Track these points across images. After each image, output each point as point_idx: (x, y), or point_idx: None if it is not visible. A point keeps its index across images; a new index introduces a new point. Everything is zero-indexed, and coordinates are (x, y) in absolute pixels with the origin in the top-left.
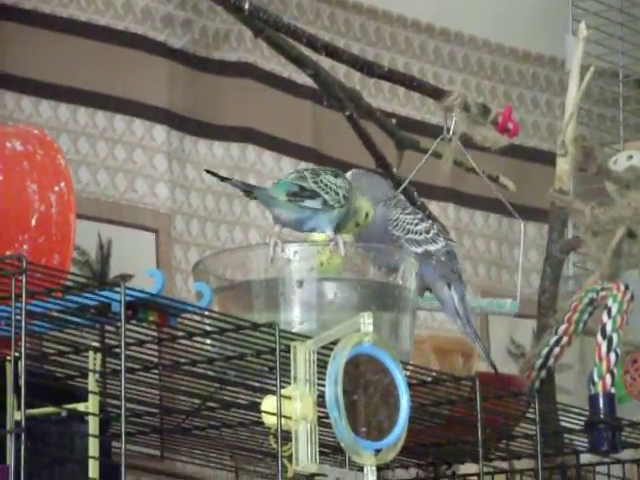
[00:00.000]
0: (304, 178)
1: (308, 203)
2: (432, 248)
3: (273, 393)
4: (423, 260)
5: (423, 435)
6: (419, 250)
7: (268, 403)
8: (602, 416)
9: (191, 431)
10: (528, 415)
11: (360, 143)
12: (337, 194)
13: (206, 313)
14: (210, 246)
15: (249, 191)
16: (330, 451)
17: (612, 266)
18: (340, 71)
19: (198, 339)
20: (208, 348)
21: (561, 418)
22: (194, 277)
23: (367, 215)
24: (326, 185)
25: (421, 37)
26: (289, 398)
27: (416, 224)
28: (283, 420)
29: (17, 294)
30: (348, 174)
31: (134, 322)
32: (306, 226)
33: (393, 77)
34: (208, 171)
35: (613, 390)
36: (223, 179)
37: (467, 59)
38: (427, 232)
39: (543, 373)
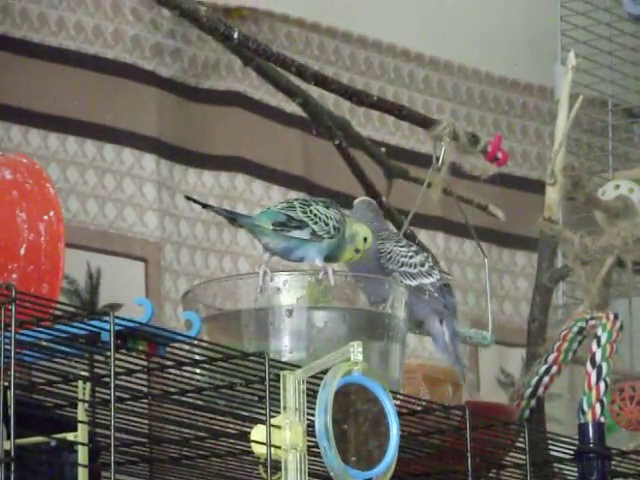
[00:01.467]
0: (293, 208)
1: (295, 233)
2: (427, 281)
3: (263, 422)
4: (416, 294)
5: (413, 464)
6: (413, 283)
7: (258, 432)
8: (592, 445)
9: (180, 461)
10: (518, 444)
11: (349, 172)
12: (327, 224)
13: (195, 342)
14: (199, 275)
15: (233, 219)
16: None
17: (601, 295)
18: (329, 100)
19: (187, 368)
20: (197, 377)
21: (551, 447)
22: (183, 306)
23: (366, 239)
24: (315, 215)
25: (410, 66)
26: (279, 427)
27: (410, 257)
28: (273, 449)
29: (6, 323)
30: (355, 201)
31: (123, 351)
32: (294, 255)
33: (382, 106)
34: (189, 198)
35: (603, 419)
36: (205, 206)
37: (456, 88)
38: (422, 265)
39: (533, 402)
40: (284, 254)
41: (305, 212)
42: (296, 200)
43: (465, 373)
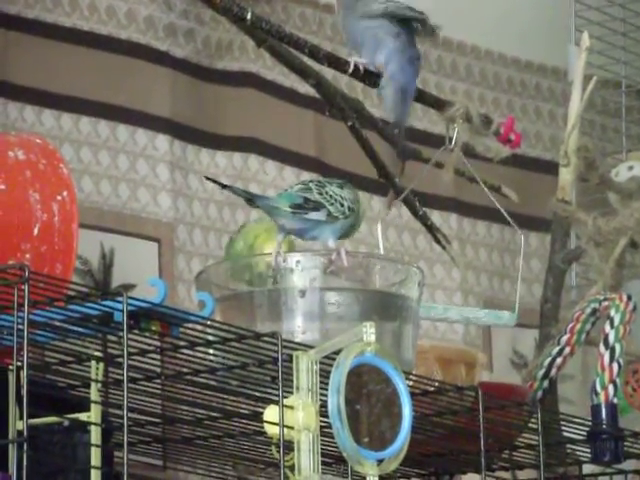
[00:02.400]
0: (309, 190)
1: (312, 215)
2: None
3: (275, 403)
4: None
5: (425, 445)
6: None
7: (270, 413)
8: (605, 426)
9: (193, 441)
10: (531, 425)
11: (362, 153)
12: (342, 205)
13: (208, 323)
14: (212, 256)
15: (251, 199)
16: (332, 461)
17: (615, 276)
18: (342, 81)
19: (200, 349)
20: (210, 358)
21: (564, 428)
22: (196, 287)
23: None
24: (331, 196)
25: (423, 47)
26: (291, 408)
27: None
28: (285, 430)
29: (19, 303)
30: None
31: (136, 332)
32: (308, 235)
33: None
34: (208, 178)
35: (616, 400)
36: (224, 187)
37: (470, 69)
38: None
39: (545, 383)
40: (299, 234)
41: (321, 193)
42: (311, 182)
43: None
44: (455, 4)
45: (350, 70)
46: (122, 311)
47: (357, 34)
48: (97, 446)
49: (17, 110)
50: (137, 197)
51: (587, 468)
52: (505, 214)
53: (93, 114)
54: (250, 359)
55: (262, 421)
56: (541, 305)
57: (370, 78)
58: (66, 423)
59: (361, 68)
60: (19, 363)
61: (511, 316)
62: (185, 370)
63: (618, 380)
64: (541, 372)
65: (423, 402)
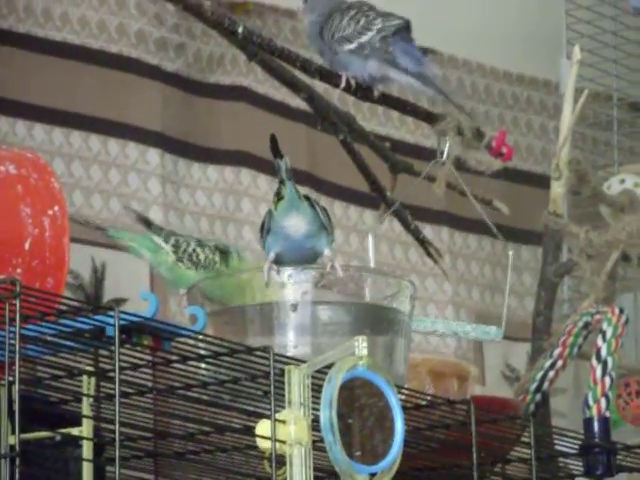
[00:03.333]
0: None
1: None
2: (365, 39)
3: (267, 417)
4: (359, 55)
5: (418, 459)
6: (352, 47)
7: (262, 427)
8: (597, 440)
9: (185, 455)
10: (523, 439)
11: (354, 167)
12: (330, 220)
13: (200, 337)
14: None
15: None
16: (325, 475)
17: (607, 289)
18: (334, 95)
19: (192, 363)
20: (202, 372)
21: (556, 442)
22: (188, 301)
23: None
24: (323, 209)
25: None
26: (283, 422)
27: (340, 21)
28: (277, 444)
29: (11, 318)
30: None
31: (128, 346)
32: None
33: (387, 101)
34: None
35: (608, 414)
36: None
37: (461, 82)
38: (357, 23)
39: (538, 397)
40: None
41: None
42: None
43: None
44: (445, 18)
45: (342, 85)
46: (114, 325)
47: (341, 63)
48: (89, 461)
49: (8, 124)
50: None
51: None
52: (493, 228)
53: (84, 128)
54: (242, 373)
55: (254, 435)
56: (533, 318)
57: (362, 92)
58: (58, 438)
59: (352, 83)
60: (11, 378)
61: (497, 331)
62: (177, 384)
63: (610, 393)
64: (533, 385)
65: (415, 416)
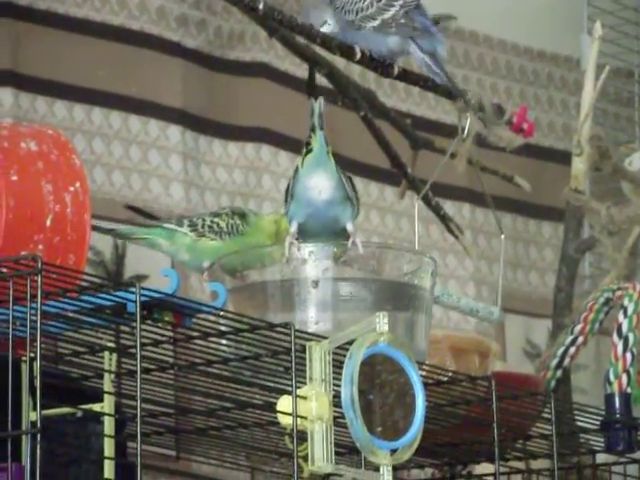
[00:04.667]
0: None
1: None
2: (388, 15)
3: (289, 393)
4: (384, 31)
5: (439, 435)
6: (375, 24)
7: (284, 403)
8: (618, 416)
9: (206, 431)
10: (544, 415)
11: (375, 143)
12: (355, 191)
13: (221, 313)
14: None
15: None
16: (346, 451)
17: (628, 266)
18: (355, 71)
19: (213, 339)
20: (223, 348)
21: (577, 418)
22: (209, 277)
23: None
24: (349, 179)
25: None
26: (305, 398)
27: (363, 0)
28: (299, 420)
29: (32, 294)
30: None
31: (149, 322)
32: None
33: (408, 77)
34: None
35: (629, 390)
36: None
37: (482, 58)
38: (379, 1)
39: (559, 373)
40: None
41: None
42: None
43: (460, 90)
44: None
45: (357, 56)
46: (135, 302)
47: (362, 40)
48: (110, 437)
49: (29, 101)
50: (149, 188)
51: (601, 457)
52: (494, 214)
53: (105, 105)
54: (263, 349)
55: (275, 411)
56: (554, 295)
57: (382, 68)
58: (79, 414)
59: (367, 53)
60: (32, 354)
61: (500, 313)
62: (198, 361)
63: (631, 369)
64: (554, 362)
65: (436, 392)
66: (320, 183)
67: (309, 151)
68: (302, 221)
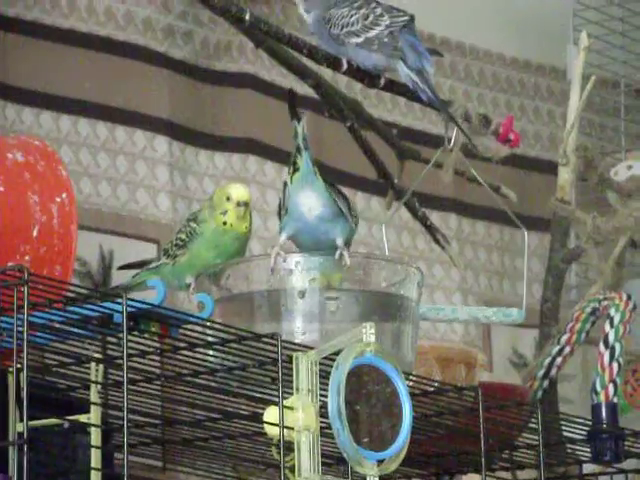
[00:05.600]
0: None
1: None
2: (372, 34)
3: (275, 404)
4: (367, 48)
5: (426, 445)
6: (359, 40)
7: (270, 414)
8: (605, 426)
9: (193, 442)
10: (531, 425)
11: (361, 154)
12: (353, 209)
13: (208, 324)
14: None
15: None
16: (333, 462)
17: (614, 276)
18: (341, 82)
19: (200, 350)
20: (210, 359)
21: (564, 428)
22: (196, 288)
23: None
24: (347, 198)
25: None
26: (291, 409)
27: (351, 15)
28: (285, 431)
29: (19, 305)
30: None
31: (136, 333)
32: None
33: (394, 88)
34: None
35: (616, 400)
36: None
37: (468, 69)
38: (365, 19)
39: (545, 383)
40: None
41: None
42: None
43: (445, 105)
44: (452, 4)
45: (344, 68)
46: (122, 313)
47: (347, 55)
48: (97, 447)
49: (15, 112)
50: (136, 198)
51: (587, 468)
52: (509, 212)
53: (92, 116)
54: (250, 360)
55: (262, 422)
56: (541, 305)
57: (369, 79)
58: (66, 425)
59: (354, 64)
60: (19, 365)
61: (519, 313)
62: (185, 371)
63: (618, 379)
64: (541, 372)
65: (423, 402)
66: (309, 201)
67: (296, 169)
68: (292, 233)
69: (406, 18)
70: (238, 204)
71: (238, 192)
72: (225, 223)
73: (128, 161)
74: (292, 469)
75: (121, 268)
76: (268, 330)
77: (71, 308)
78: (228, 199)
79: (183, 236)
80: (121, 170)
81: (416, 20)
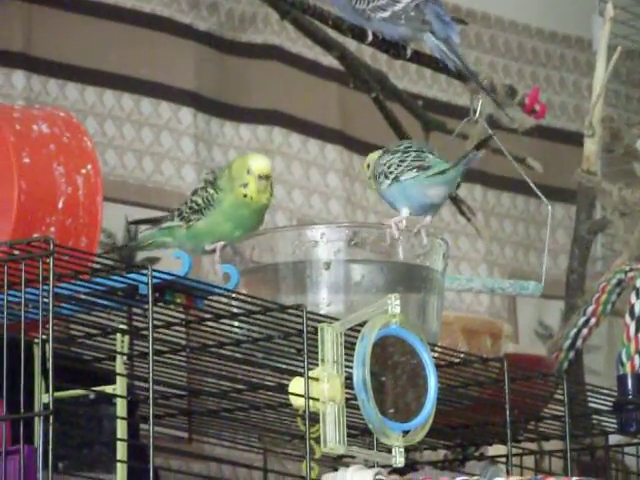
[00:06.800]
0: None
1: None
2: (398, 8)
3: (301, 375)
4: (394, 22)
5: (451, 416)
6: (385, 15)
7: (296, 385)
8: (631, 397)
9: (219, 413)
10: (556, 396)
11: (386, 125)
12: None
13: (233, 295)
14: None
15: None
16: (358, 433)
17: None
18: (366, 53)
19: (225, 321)
20: (235, 330)
21: (589, 399)
22: (221, 259)
23: None
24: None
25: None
26: (317, 380)
27: None
28: (311, 402)
29: (45, 277)
30: None
31: (161, 304)
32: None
33: (420, 59)
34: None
35: None
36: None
37: (494, 40)
38: None
39: (571, 354)
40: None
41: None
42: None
43: (472, 73)
44: None
45: (369, 39)
46: (147, 284)
47: (373, 28)
48: (123, 419)
49: (41, 83)
50: (161, 170)
51: (613, 439)
52: (532, 185)
53: (117, 87)
54: (275, 331)
55: (287, 393)
56: (567, 276)
57: (394, 50)
58: (92, 396)
59: (379, 36)
60: (44, 336)
61: (536, 286)
62: (210, 343)
63: None
64: (567, 343)
65: (448, 373)
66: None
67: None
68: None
69: None
70: (260, 177)
71: (259, 165)
72: (245, 195)
73: (153, 133)
74: (317, 440)
75: (132, 223)
76: (293, 301)
77: (97, 279)
78: (249, 171)
79: (200, 200)
80: (146, 142)
81: None
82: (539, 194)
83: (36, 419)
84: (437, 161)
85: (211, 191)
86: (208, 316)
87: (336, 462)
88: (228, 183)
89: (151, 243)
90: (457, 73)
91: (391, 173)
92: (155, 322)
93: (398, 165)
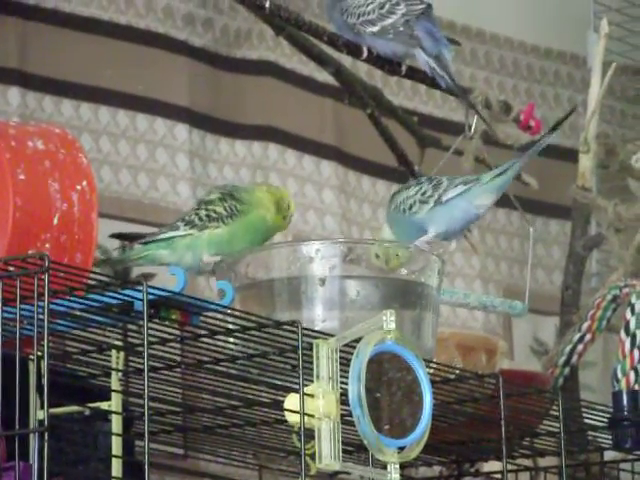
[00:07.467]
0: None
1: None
2: (388, 22)
3: (296, 391)
4: (383, 37)
5: (446, 433)
6: (375, 29)
7: (291, 401)
8: (626, 413)
9: (214, 429)
10: (552, 412)
11: (381, 141)
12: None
13: (228, 311)
14: None
15: None
16: (353, 449)
17: (635, 263)
18: (362, 69)
19: (220, 337)
20: (231, 346)
21: (585, 415)
22: (216, 276)
23: None
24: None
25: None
26: (312, 396)
27: (367, 5)
28: (306, 418)
29: (39, 293)
30: None
31: (156, 321)
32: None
33: (415, 76)
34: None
35: (637, 387)
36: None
37: (489, 56)
38: (381, 8)
39: (566, 370)
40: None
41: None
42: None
43: (464, 91)
44: None
45: (364, 55)
46: (142, 300)
47: (364, 43)
48: (118, 435)
49: (36, 100)
50: (156, 186)
51: (609, 455)
52: (516, 203)
53: (112, 104)
54: (270, 347)
55: (283, 409)
56: (562, 292)
57: (389, 66)
58: (87, 412)
59: (374, 52)
60: (40, 353)
61: (523, 307)
62: (205, 359)
63: (639, 366)
64: (562, 359)
65: (444, 390)
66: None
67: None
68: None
69: (422, 6)
70: (291, 215)
71: (293, 205)
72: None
73: (148, 149)
74: (312, 456)
75: (113, 237)
76: (288, 318)
77: (92, 296)
78: (289, 207)
79: (220, 209)
80: (141, 158)
81: (436, 8)
82: (522, 214)
83: (31, 435)
84: (470, 176)
85: (233, 202)
86: (203, 332)
87: (331, 479)
88: (256, 200)
89: (143, 257)
90: (448, 90)
91: (431, 197)
92: (150, 338)
93: (434, 189)
